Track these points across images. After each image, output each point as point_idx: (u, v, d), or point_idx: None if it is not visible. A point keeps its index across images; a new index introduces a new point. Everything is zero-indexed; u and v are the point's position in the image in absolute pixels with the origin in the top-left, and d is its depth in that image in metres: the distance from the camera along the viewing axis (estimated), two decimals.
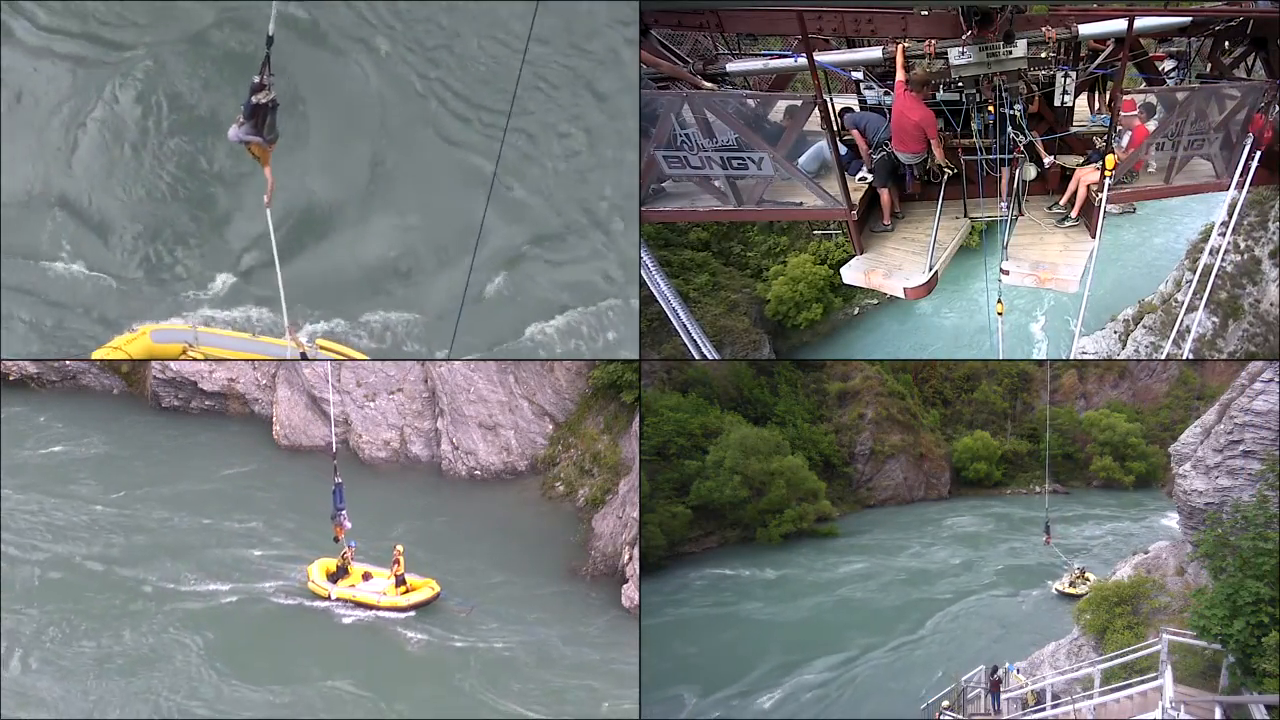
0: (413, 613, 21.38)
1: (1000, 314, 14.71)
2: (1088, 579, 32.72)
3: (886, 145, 13.29)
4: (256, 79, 15.95)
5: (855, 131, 13.64)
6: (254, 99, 16.05)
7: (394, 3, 22.14)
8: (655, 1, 14.01)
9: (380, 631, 20.89)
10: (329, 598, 21.65)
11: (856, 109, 14.09)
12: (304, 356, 18.64)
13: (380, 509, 24.87)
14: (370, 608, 21.49)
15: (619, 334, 19.27)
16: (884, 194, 13.71)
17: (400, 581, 21.77)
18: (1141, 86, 14.48)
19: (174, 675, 18.88)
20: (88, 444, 27.96)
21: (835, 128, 13.06)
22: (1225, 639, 13.95)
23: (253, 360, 20.18)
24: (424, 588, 21.86)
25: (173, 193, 20.68)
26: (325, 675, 19.24)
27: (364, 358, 19.83)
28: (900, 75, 12.52)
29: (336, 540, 21.79)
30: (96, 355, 18.48)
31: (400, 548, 22.12)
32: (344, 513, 21.72)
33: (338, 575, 22.09)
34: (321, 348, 19.61)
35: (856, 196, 13.48)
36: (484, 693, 19.18)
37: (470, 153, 21.14)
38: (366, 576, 22.15)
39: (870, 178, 13.58)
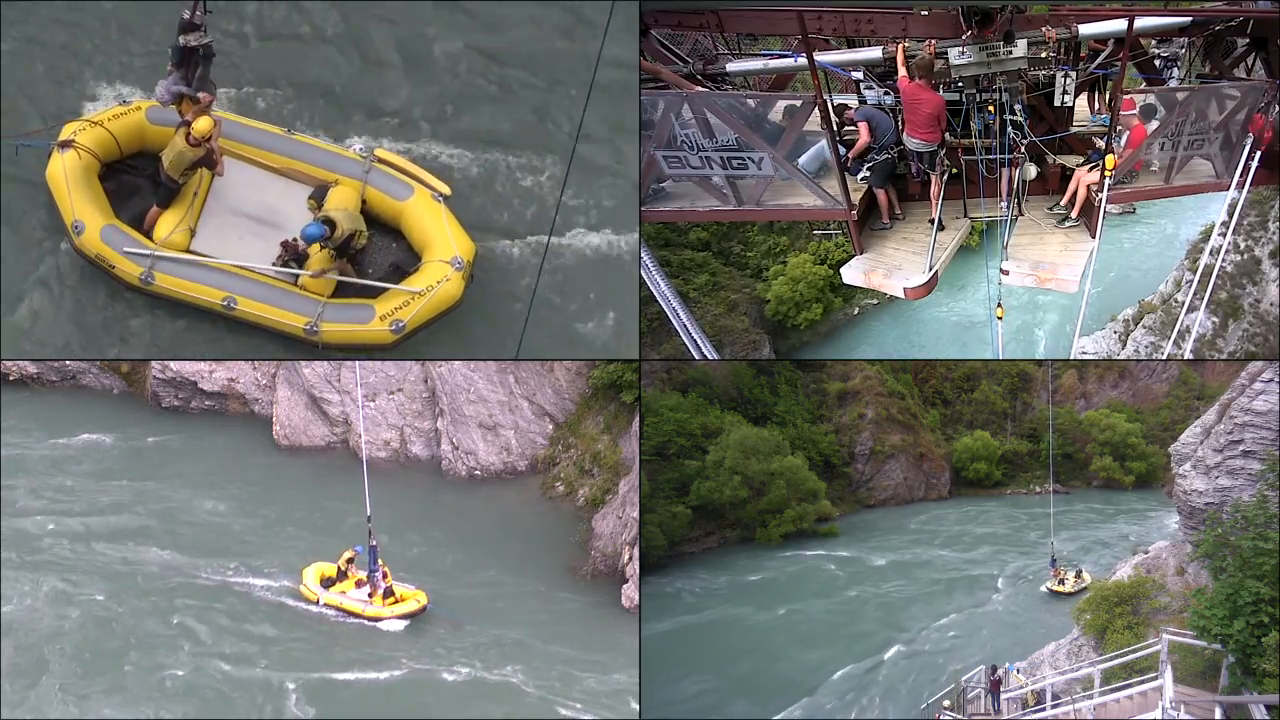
0: (398, 624, 21.04)
1: (1000, 318, 14.72)
2: (1084, 578, 32.70)
3: (890, 149, 13.29)
4: (186, 14, 13.30)
5: (863, 124, 13.53)
6: (182, 40, 13.54)
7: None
8: (655, 1, 14.03)
9: (374, 634, 20.87)
10: (317, 602, 21.32)
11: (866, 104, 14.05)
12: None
13: (380, 509, 24.85)
14: (355, 616, 21.11)
15: (619, 334, 19.16)
16: (881, 195, 13.72)
17: (389, 593, 21.32)
18: (1141, 86, 14.50)
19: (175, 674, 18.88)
20: (87, 444, 27.96)
21: (835, 127, 13.07)
22: (1225, 639, 13.96)
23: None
24: (411, 599, 21.34)
25: None
26: (311, 671, 19.16)
27: (446, 190, 16.72)
28: (902, 73, 12.53)
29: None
30: (66, 131, 15.02)
31: (381, 561, 21.65)
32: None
33: (334, 580, 21.64)
34: (381, 159, 16.67)
35: (856, 196, 13.51)
36: (481, 692, 19.17)
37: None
38: (360, 584, 21.56)
39: (869, 176, 13.59)
